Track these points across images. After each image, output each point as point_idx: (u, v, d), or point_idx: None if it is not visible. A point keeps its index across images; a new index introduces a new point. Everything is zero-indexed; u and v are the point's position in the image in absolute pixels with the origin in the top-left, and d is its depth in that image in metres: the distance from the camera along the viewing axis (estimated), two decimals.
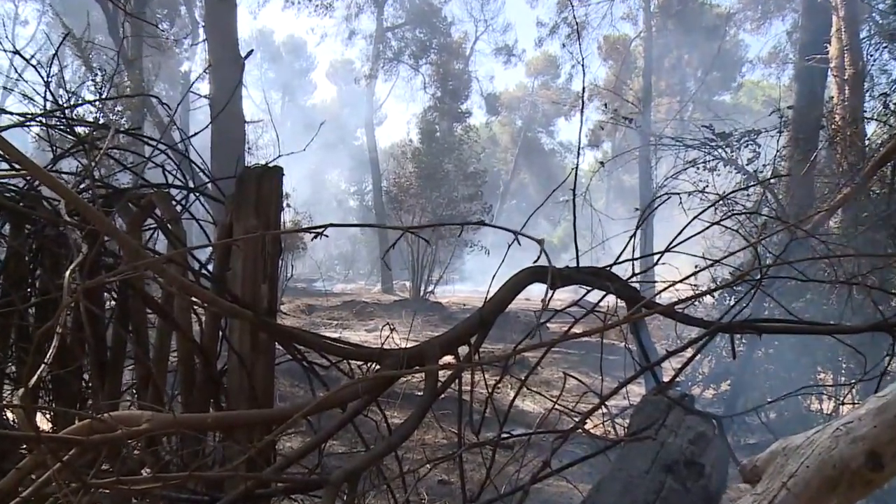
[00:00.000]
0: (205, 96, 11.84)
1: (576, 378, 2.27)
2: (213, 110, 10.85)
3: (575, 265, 2.30)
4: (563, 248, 33.40)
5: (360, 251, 38.34)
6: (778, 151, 6.39)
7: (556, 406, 1.88)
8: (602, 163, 6.68)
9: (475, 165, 22.48)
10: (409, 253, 20.74)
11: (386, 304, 18.77)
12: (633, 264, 2.08)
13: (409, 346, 2.02)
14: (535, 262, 1.30)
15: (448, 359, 2.10)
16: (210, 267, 2.40)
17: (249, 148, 15.57)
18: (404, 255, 22.20)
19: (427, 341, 1.96)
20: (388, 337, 2.33)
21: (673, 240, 1.87)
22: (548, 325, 2.48)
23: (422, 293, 20.07)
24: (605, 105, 11.80)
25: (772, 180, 5.97)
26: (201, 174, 2.93)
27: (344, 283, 32.12)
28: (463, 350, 2.08)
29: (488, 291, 1.99)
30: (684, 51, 30.00)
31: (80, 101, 7.89)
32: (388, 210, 22.60)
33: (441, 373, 1.91)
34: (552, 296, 2.27)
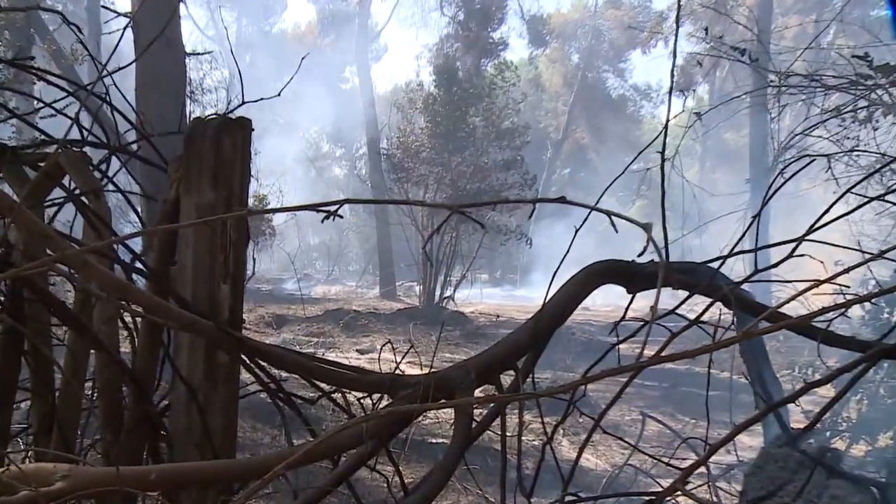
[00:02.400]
0: (126, 15, 11.71)
1: (658, 421, 2.26)
2: (140, 37, 10.74)
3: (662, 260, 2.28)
4: (637, 236, 33.17)
5: (348, 240, 38.56)
6: None
7: (632, 461, 1.87)
8: (698, 113, 6.51)
9: (513, 119, 22.46)
10: (420, 242, 20.79)
11: (387, 315, 18.87)
12: (754, 258, 2.05)
13: (428, 371, 2.01)
14: (640, 255, 1.28)
15: (479, 392, 2.09)
16: (146, 259, 2.40)
17: (192, 92, 15.61)
18: (411, 245, 22.24)
19: (457, 365, 1.96)
20: (400, 361, 2.33)
21: (814, 223, 1.83)
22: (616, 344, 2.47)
23: (437, 299, 20.12)
24: (705, 30, 11.62)
25: None
26: (129, 128, 2.93)
27: (327, 284, 32.33)
28: (507, 379, 2.07)
29: (548, 292, 1.97)
30: None
31: None
32: (388, 182, 22.67)
33: (476, 410, 1.90)
34: (631, 301, 2.27)
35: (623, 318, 2.27)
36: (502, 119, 21.80)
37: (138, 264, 2.34)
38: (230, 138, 2.32)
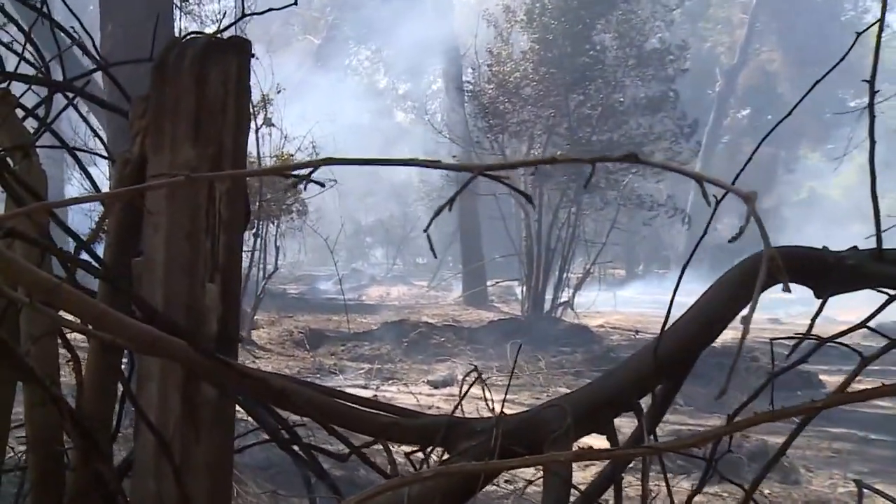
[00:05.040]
0: None
1: (886, 496, 2.21)
2: None
3: (875, 247, 2.23)
4: (853, 211, 32.55)
5: (417, 218, 38.65)
6: None
7: None
8: None
9: (662, 35, 22.12)
10: (525, 225, 20.74)
11: (473, 329, 18.91)
12: None
13: (509, 411, 2.01)
14: (733, 240, 1.23)
15: (586, 442, 2.07)
16: (99, 249, 2.44)
17: (184, 1, 15.82)
18: (510, 227, 22.18)
19: (548, 404, 1.95)
20: (462, 396, 2.32)
21: None
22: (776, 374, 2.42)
23: (548, 306, 20.07)
24: None
25: None
26: (80, 55, 2.98)
27: (385, 283, 32.64)
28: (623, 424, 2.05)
29: (672, 297, 1.94)
30: None
31: None
32: (475, 132, 22.68)
33: (575, 467, 1.89)
34: (820, 309, 2.22)
35: (807, 333, 2.23)
36: (646, 36, 21.51)
37: (86, 256, 2.37)
38: (220, 69, 2.29)
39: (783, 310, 21.33)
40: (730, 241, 1.21)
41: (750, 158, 1.95)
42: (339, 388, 2.28)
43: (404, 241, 37.97)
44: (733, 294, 2.10)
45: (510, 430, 1.83)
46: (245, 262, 15.08)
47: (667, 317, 1.95)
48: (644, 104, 20.70)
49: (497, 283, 26.90)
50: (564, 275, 20.36)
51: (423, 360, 16.14)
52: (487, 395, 2.44)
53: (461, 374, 14.05)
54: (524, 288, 20.97)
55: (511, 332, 17.74)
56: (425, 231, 1.16)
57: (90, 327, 1.93)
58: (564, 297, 20.36)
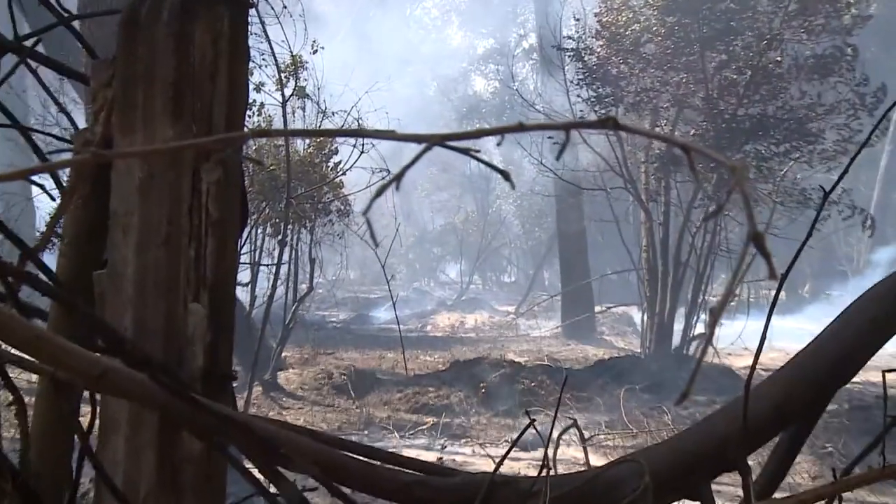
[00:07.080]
0: None
1: None
2: None
3: None
4: None
5: (501, 220, 38.51)
6: None
7: None
8: None
9: None
10: (645, 230, 20.66)
11: (576, 372, 18.84)
12: None
13: (580, 467, 2.04)
14: (710, 216, 1.26)
15: None
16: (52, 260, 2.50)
17: None
18: (625, 231, 22.06)
19: (624, 458, 1.99)
20: (504, 455, 2.37)
21: None
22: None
23: (677, 342, 19.96)
24: None
25: None
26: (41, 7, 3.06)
27: (457, 308, 32.55)
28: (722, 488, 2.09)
29: (768, 331, 1.95)
30: None
31: None
32: (578, 104, 22.63)
33: None
34: None
35: None
36: None
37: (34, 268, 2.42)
38: (207, 24, 2.33)
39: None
40: (704, 220, 1.23)
41: (857, 154, 1.94)
42: (378, 447, 2.32)
43: (485, 252, 37.72)
44: (876, 315, 2.06)
45: (571, 492, 1.84)
46: (268, 279, 15.18)
47: (760, 346, 1.95)
48: (810, 65, 20.33)
49: (608, 308, 26.79)
50: (700, 298, 20.17)
51: (507, 413, 16.02)
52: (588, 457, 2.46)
53: (557, 431, 13.86)
54: (645, 316, 20.84)
55: (626, 374, 17.63)
56: (364, 214, 1.21)
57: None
58: (700, 328, 20.20)
